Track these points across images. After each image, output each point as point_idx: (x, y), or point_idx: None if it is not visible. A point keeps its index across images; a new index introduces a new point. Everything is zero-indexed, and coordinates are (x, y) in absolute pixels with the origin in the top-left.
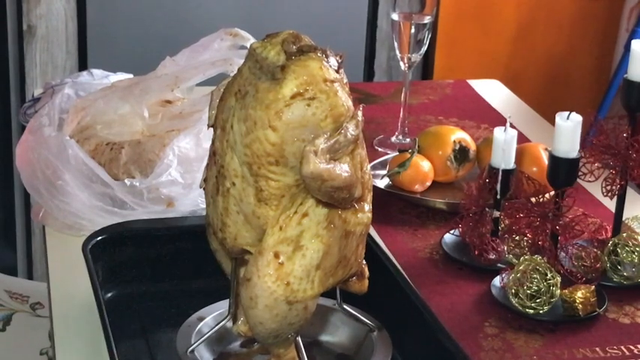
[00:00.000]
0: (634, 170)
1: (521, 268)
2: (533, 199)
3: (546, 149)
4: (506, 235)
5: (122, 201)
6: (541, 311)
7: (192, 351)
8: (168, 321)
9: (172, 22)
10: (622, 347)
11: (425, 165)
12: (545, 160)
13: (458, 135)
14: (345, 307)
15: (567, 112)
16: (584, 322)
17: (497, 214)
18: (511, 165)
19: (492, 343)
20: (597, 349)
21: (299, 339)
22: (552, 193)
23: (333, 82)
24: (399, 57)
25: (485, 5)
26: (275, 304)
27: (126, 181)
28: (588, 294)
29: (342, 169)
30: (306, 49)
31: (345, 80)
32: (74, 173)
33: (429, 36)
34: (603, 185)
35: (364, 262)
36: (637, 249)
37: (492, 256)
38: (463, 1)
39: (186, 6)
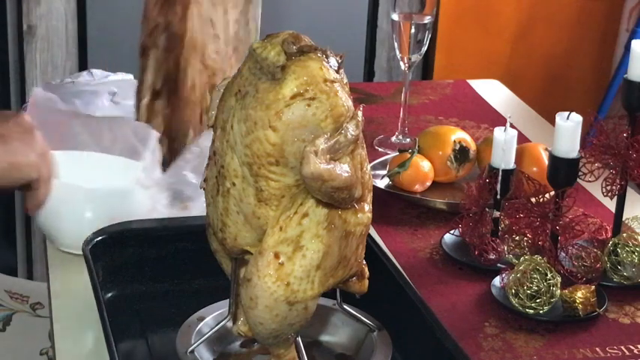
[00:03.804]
0: (634, 170)
1: (521, 268)
2: (533, 199)
3: (546, 149)
4: (506, 235)
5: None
6: (541, 311)
7: (193, 351)
8: (169, 321)
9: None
10: (622, 347)
11: (425, 165)
12: (545, 160)
13: (458, 135)
14: (345, 307)
15: (567, 112)
16: (585, 322)
17: (497, 214)
18: (511, 165)
19: (492, 344)
20: (597, 349)
21: (299, 339)
22: (552, 193)
23: (333, 82)
24: (399, 57)
25: (485, 5)
26: (275, 305)
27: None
28: (588, 294)
29: (343, 170)
30: (306, 50)
31: (345, 80)
32: None
33: (429, 36)
34: (603, 185)
35: (364, 262)
36: (637, 249)
37: (492, 256)
38: (463, 1)
39: None
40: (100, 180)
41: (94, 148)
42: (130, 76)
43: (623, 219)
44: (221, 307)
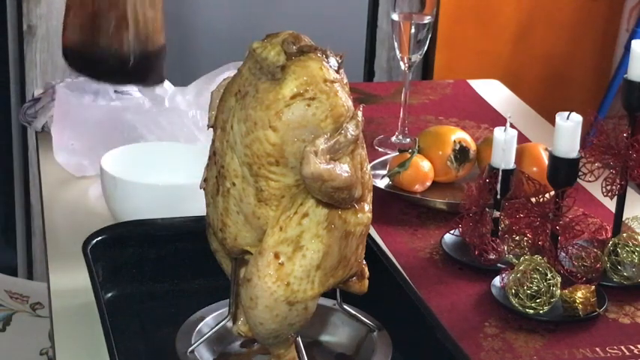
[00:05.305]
0: (634, 170)
1: (521, 268)
2: (533, 199)
3: (546, 149)
4: (506, 235)
5: None
6: (541, 311)
7: (193, 351)
8: (169, 321)
9: (171, 22)
10: (622, 347)
11: (425, 165)
12: (545, 160)
13: (458, 135)
14: (345, 307)
15: (567, 112)
16: (585, 322)
17: (497, 214)
18: (511, 165)
19: (492, 344)
20: (597, 349)
21: (299, 339)
22: (552, 193)
23: (333, 82)
24: (399, 57)
25: (485, 5)
26: (275, 305)
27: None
28: (588, 294)
29: (343, 170)
30: (306, 50)
31: (345, 80)
32: None
33: (429, 36)
34: (603, 185)
35: (364, 262)
36: (637, 249)
37: (492, 256)
38: (463, 1)
39: (186, 6)
40: (171, 170)
41: (156, 139)
42: None
43: (623, 219)
44: (221, 307)
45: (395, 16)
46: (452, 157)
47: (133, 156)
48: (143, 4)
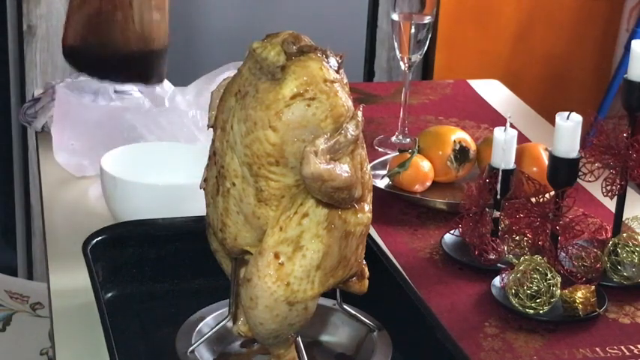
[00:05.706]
0: (634, 170)
1: (521, 268)
2: (533, 199)
3: (546, 149)
4: (506, 235)
5: None
6: (541, 311)
7: (193, 351)
8: (169, 321)
9: (171, 22)
10: (622, 347)
11: (425, 165)
12: (545, 160)
13: (458, 135)
14: (345, 307)
15: (567, 112)
16: (585, 322)
17: (497, 214)
18: (511, 165)
19: (492, 344)
20: (597, 349)
21: (299, 339)
22: (552, 193)
23: (333, 82)
24: (399, 57)
25: (485, 5)
26: (275, 305)
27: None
28: (588, 294)
29: (343, 170)
30: (306, 50)
31: (345, 80)
32: None
33: (429, 36)
34: (603, 185)
35: (364, 262)
36: (637, 249)
37: (492, 256)
38: (463, 1)
39: (186, 6)
40: (171, 170)
41: (156, 139)
42: None
43: (623, 219)
44: (221, 307)
45: (395, 16)
46: (452, 157)
47: (133, 156)
48: (149, 6)
